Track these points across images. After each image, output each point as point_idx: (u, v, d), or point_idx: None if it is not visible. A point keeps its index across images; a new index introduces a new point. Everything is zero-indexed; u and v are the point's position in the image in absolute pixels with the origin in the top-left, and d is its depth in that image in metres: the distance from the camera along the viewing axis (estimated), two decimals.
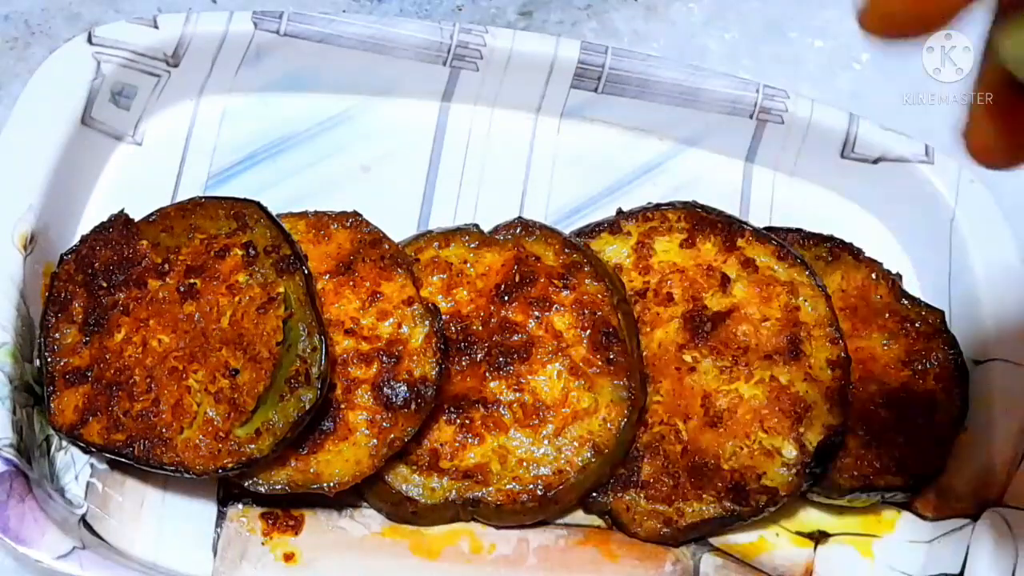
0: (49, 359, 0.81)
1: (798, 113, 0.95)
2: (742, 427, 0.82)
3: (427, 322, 0.81)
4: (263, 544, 0.81)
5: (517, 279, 0.85)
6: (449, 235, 0.87)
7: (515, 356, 0.83)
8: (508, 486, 0.80)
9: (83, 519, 0.80)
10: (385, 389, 0.79)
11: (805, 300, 0.86)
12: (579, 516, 0.85)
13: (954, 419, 0.87)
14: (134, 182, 0.92)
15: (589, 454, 0.81)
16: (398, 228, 0.88)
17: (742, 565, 0.84)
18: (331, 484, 0.78)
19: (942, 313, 0.90)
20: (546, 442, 0.81)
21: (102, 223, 0.85)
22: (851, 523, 0.86)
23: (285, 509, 0.82)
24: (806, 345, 0.84)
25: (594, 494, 0.83)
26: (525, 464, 0.81)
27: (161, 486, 0.82)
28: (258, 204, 0.84)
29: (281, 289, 0.80)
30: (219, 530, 0.82)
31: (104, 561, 0.75)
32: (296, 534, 0.82)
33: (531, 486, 0.80)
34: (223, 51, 0.94)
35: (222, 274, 0.81)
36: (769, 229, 0.92)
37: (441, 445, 0.81)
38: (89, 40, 0.91)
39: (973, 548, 0.82)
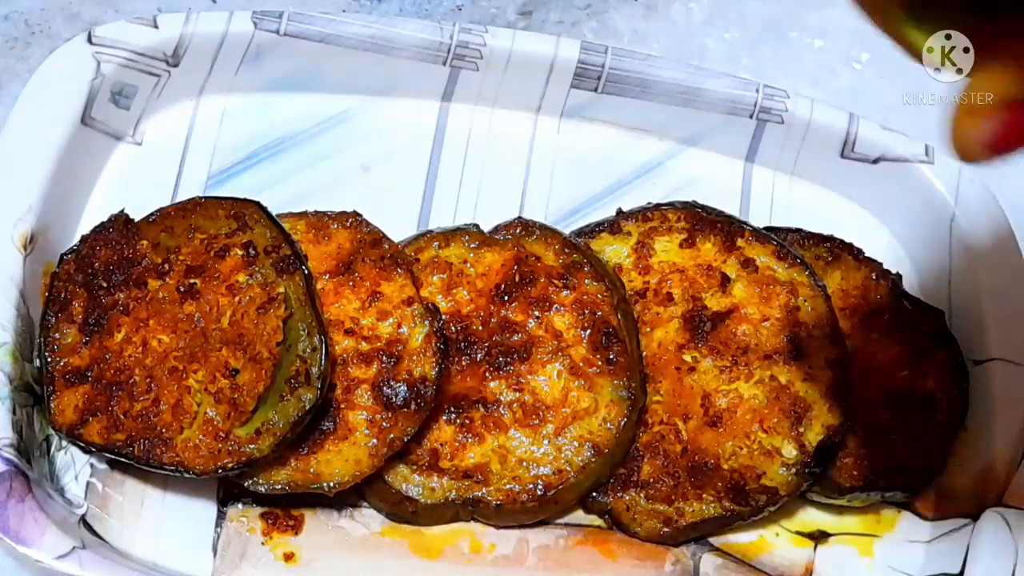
0: (49, 359, 0.81)
1: (798, 113, 0.95)
2: (742, 427, 0.82)
3: (427, 322, 0.81)
4: (263, 544, 0.81)
5: (517, 279, 0.85)
6: (449, 235, 0.87)
7: (515, 356, 0.83)
8: (508, 486, 0.80)
9: (83, 519, 0.80)
10: (385, 389, 0.79)
11: (805, 300, 0.86)
12: (579, 516, 0.85)
13: (954, 419, 0.87)
14: (134, 182, 0.92)
15: (589, 454, 0.81)
16: (398, 228, 0.88)
17: (742, 565, 0.84)
18: (331, 484, 0.78)
19: (942, 313, 0.90)
20: (546, 442, 0.81)
21: (102, 223, 0.85)
22: (851, 523, 0.86)
23: (285, 509, 0.82)
24: (806, 345, 0.84)
25: (594, 494, 0.83)
26: (525, 464, 0.81)
27: (161, 486, 0.82)
28: (258, 204, 0.84)
29: (281, 289, 0.79)
30: (219, 530, 0.82)
31: (104, 561, 0.75)
32: (296, 534, 0.82)
33: (531, 486, 0.80)
34: (223, 51, 0.94)
35: (222, 274, 0.81)
36: (769, 229, 0.92)
37: (441, 445, 0.81)
38: (89, 40, 0.91)
39: (973, 548, 0.81)
